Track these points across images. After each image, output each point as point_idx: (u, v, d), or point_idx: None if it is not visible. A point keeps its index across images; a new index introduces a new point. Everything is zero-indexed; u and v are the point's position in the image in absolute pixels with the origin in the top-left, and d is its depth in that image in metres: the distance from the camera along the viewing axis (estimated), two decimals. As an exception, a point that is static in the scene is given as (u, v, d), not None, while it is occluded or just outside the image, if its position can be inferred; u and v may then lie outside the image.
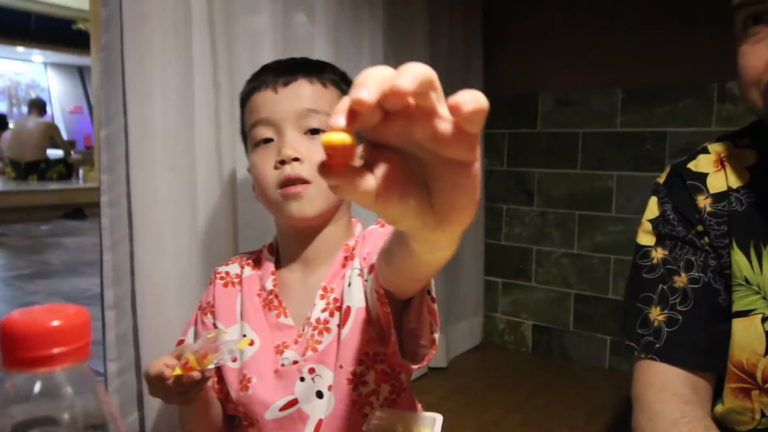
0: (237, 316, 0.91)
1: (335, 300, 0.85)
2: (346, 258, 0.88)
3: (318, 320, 0.84)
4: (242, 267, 0.96)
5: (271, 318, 0.88)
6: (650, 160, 2.09)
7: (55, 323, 0.33)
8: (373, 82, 0.32)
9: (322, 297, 0.86)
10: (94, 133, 6.23)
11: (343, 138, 0.33)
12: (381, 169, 0.36)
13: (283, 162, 0.83)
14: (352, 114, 0.33)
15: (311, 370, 0.83)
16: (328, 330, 0.84)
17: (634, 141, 2.10)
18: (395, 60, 1.93)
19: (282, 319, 0.87)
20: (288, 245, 0.92)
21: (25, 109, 8.76)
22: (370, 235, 0.87)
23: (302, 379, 0.83)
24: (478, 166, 0.37)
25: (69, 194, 6.40)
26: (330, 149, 0.34)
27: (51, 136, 7.16)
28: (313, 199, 0.84)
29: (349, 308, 0.82)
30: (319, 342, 0.83)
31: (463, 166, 0.36)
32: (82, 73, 10.55)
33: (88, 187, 6.57)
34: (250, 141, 0.89)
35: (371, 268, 0.72)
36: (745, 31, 0.71)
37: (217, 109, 1.31)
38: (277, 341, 0.86)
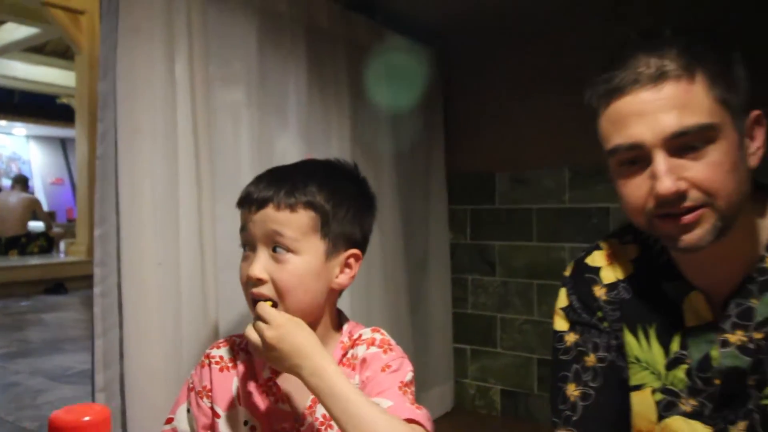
0: (235, 400, 1.00)
1: None
2: (343, 355, 1.00)
3: (324, 416, 0.96)
4: (235, 351, 1.04)
5: (269, 404, 0.98)
6: (597, 233, 2.26)
7: (86, 419, 0.48)
8: None
9: None
10: (79, 209, 6.27)
11: None
12: None
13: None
14: None
15: None
16: (331, 427, 0.95)
17: (582, 216, 2.31)
18: (362, 150, 2.13)
19: (280, 405, 0.98)
20: None
21: (4, 181, 8.85)
22: (372, 363, 0.97)
23: None
24: None
25: (50, 269, 6.36)
26: None
27: (33, 210, 7.25)
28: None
29: None
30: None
31: None
32: (64, 144, 10.66)
33: (69, 261, 6.55)
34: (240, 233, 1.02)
35: None
36: (620, 171, 0.82)
37: (199, 208, 1.47)
38: (276, 427, 0.97)
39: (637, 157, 0.79)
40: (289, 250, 0.94)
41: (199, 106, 1.48)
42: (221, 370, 1.03)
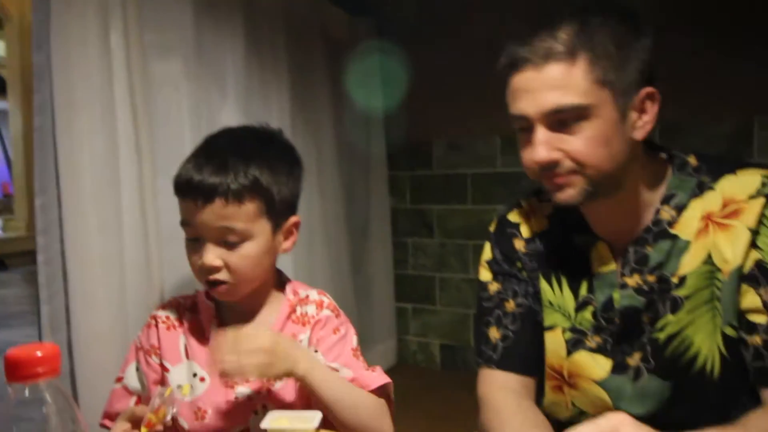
0: (182, 355, 1.06)
1: None
2: (291, 312, 1.08)
3: None
4: (180, 311, 1.11)
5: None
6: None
7: (39, 353, 0.54)
8: None
9: None
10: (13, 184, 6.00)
11: None
12: None
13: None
14: None
15: (264, 407, 1.02)
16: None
17: (513, 180, 2.44)
18: (303, 121, 2.17)
19: None
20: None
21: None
22: (327, 325, 1.07)
23: (256, 413, 1.01)
24: None
25: (-12, 245, 6.13)
26: None
27: (-34, 186, 6.90)
28: (234, 291, 1.03)
29: None
30: (273, 384, 1.02)
31: None
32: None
33: (8, 237, 6.29)
34: (181, 226, 1.04)
35: None
36: (519, 136, 0.92)
37: (140, 175, 1.49)
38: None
39: (528, 126, 0.90)
40: (241, 239, 1.00)
41: (136, 77, 1.48)
42: (168, 328, 1.09)
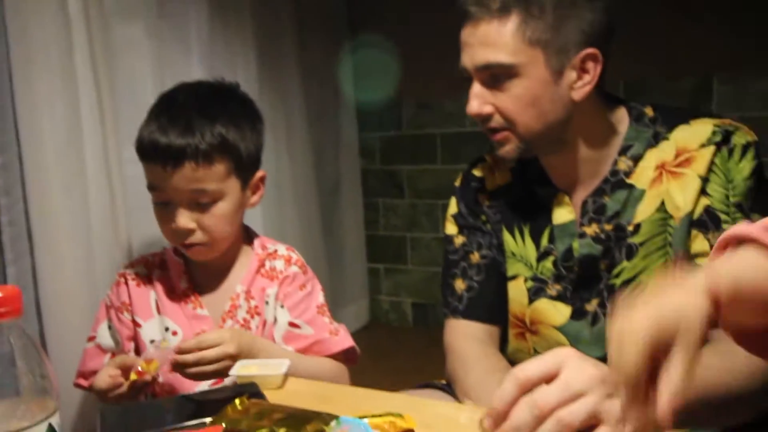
0: (153, 311, 1.08)
1: (255, 307, 1.08)
2: (260, 266, 1.10)
3: (245, 320, 1.07)
4: (149, 268, 1.12)
5: (188, 310, 1.07)
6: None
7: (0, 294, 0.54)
8: None
9: (246, 300, 1.08)
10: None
11: None
12: None
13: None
14: None
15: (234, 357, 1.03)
16: (249, 329, 1.07)
17: (481, 139, 2.43)
18: (270, 82, 2.15)
19: (198, 310, 1.08)
20: None
21: None
22: (295, 280, 1.10)
23: None
24: None
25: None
26: None
27: None
28: (210, 251, 1.05)
29: (265, 321, 1.08)
30: None
31: None
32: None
33: None
34: (148, 190, 1.04)
35: None
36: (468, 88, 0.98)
37: (103, 133, 1.47)
38: (197, 329, 1.06)
39: (469, 78, 0.94)
40: (213, 200, 1.01)
41: (97, 41, 1.45)
42: (138, 285, 1.10)
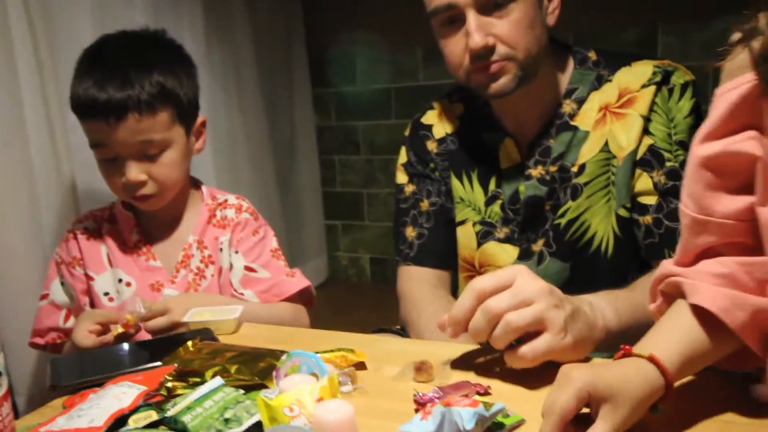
0: (106, 264, 1.08)
1: (209, 256, 1.09)
2: (211, 216, 1.11)
3: (199, 269, 1.08)
4: (99, 222, 1.11)
5: (140, 262, 1.07)
6: (450, 108, 2.46)
7: None
8: None
9: (199, 249, 1.08)
10: None
11: None
12: None
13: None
14: None
15: None
16: (204, 277, 1.08)
17: (435, 92, 2.42)
18: (218, 38, 2.09)
19: (151, 262, 1.07)
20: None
21: None
22: (246, 227, 1.11)
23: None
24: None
25: None
26: None
27: None
28: (161, 200, 1.04)
29: (221, 268, 1.09)
30: (199, 285, 1.08)
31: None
32: None
33: None
34: (91, 149, 1.02)
35: None
36: (441, 31, 0.93)
37: (42, 86, 1.41)
38: (150, 281, 1.06)
39: (453, 17, 0.91)
40: (160, 149, 1.00)
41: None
42: (88, 239, 1.09)
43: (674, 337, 0.58)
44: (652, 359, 0.55)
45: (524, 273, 0.67)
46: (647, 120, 0.92)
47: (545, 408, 0.52)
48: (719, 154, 0.58)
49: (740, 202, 0.58)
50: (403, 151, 1.15)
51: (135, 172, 0.98)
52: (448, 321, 0.68)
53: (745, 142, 0.56)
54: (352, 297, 2.68)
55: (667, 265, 0.64)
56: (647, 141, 0.92)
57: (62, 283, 1.10)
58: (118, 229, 1.10)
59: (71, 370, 0.72)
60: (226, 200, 1.15)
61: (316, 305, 1.19)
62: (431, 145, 1.11)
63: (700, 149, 0.59)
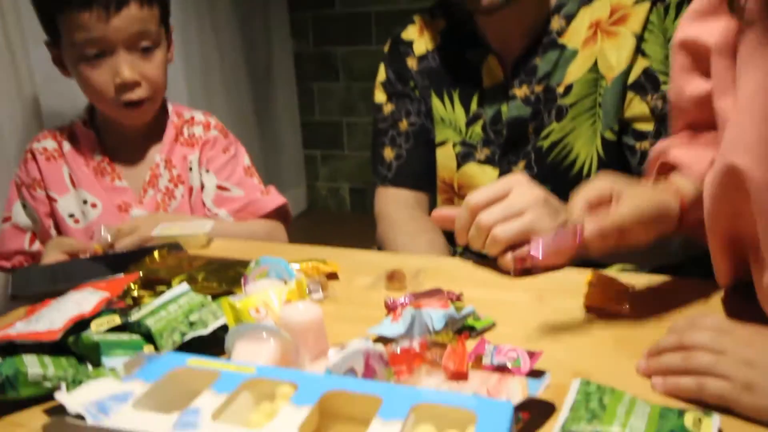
0: (68, 185, 1.04)
1: (179, 176, 1.05)
2: (178, 134, 1.07)
3: (167, 188, 1.05)
4: (58, 142, 1.06)
5: (105, 183, 1.04)
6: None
7: None
8: None
9: (167, 168, 1.05)
10: None
11: None
12: None
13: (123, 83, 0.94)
14: None
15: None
16: (174, 197, 1.05)
17: (418, 16, 2.37)
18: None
19: (117, 182, 1.04)
20: (110, 124, 1.05)
21: None
22: (216, 145, 1.08)
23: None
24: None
25: None
26: None
27: None
28: (151, 109, 1.01)
29: (192, 188, 1.06)
30: (168, 205, 1.05)
31: None
32: None
33: None
34: (73, 51, 0.96)
35: None
36: None
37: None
38: (117, 201, 1.03)
39: None
40: (154, 44, 0.97)
41: None
42: (48, 159, 1.05)
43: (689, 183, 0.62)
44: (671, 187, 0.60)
45: (521, 183, 0.67)
46: (641, 39, 0.88)
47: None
48: (695, 38, 0.59)
49: (709, 86, 0.59)
50: (382, 68, 1.10)
51: (129, 70, 0.95)
52: (457, 240, 0.70)
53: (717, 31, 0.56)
54: (332, 227, 2.67)
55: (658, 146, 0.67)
56: (643, 63, 0.89)
57: (24, 206, 1.07)
58: (80, 148, 1.06)
59: (33, 280, 0.70)
60: (193, 117, 1.10)
61: (294, 236, 1.18)
62: (411, 63, 1.06)
63: (680, 31, 0.61)
